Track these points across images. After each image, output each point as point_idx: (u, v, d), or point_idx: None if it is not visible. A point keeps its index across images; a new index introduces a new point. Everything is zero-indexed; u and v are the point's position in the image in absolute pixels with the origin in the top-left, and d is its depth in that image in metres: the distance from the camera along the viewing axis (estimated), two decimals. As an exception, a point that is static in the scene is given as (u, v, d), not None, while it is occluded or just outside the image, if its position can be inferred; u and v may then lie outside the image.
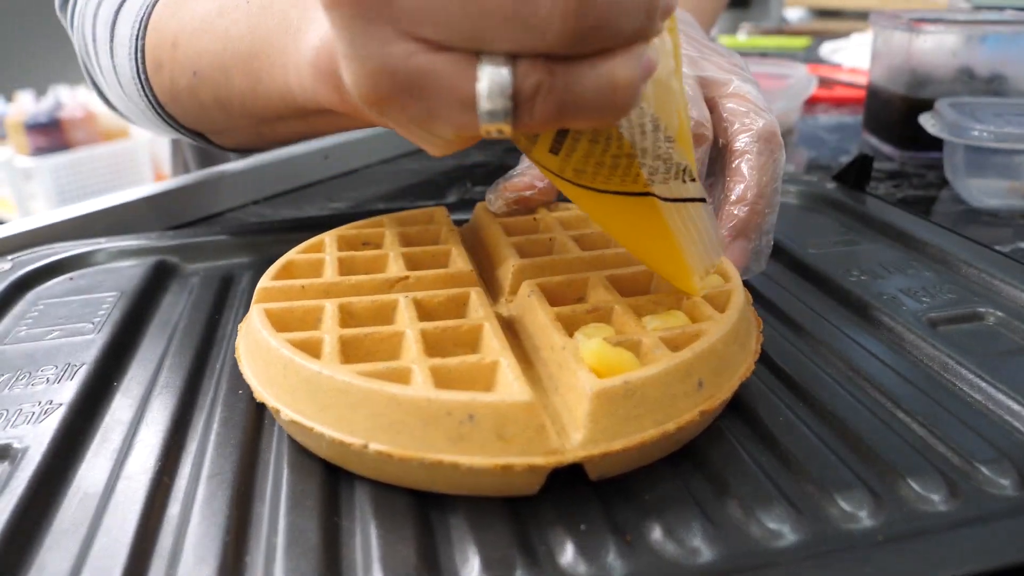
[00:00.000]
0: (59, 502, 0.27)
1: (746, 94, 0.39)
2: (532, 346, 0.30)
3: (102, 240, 0.47)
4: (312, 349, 0.28)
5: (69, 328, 0.38)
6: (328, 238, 0.38)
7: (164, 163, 1.86)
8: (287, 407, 0.26)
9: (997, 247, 0.44)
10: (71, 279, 0.44)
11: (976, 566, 0.23)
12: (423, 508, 0.26)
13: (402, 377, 0.26)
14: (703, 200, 0.28)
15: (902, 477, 0.27)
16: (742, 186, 0.36)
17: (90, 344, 0.36)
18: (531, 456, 0.24)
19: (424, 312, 0.31)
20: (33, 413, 0.31)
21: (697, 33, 0.46)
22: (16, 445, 0.29)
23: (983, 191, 0.55)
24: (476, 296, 0.32)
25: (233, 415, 0.31)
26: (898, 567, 0.23)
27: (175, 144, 0.85)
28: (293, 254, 0.36)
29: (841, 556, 0.23)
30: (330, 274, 0.34)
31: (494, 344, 0.28)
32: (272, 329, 0.28)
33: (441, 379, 0.26)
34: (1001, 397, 0.31)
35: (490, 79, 0.21)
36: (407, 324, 0.29)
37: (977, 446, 0.28)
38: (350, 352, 0.28)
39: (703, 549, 0.24)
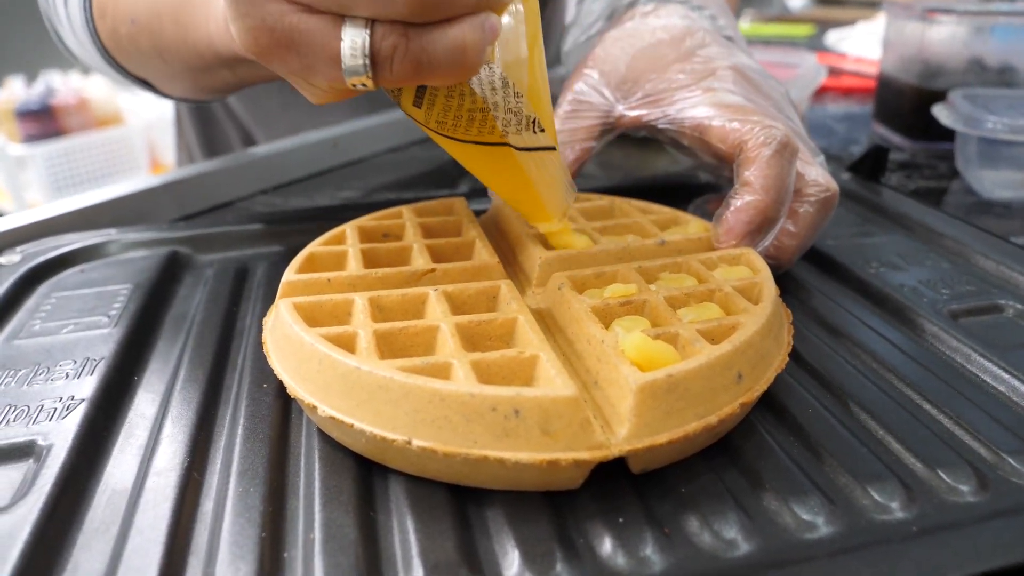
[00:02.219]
0: (88, 500, 0.26)
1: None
2: (565, 339, 0.30)
3: (112, 231, 0.46)
4: (346, 344, 0.27)
5: (85, 322, 0.37)
6: (349, 230, 0.37)
7: (161, 150, 1.84)
8: (323, 403, 0.26)
9: (1012, 239, 0.44)
10: (82, 271, 0.43)
11: (1014, 558, 0.23)
12: (460, 502, 0.26)
13: (442, 372, 0.25)
14: (553, 148, 0.32)
15: (932, 468, 0.27)
16: (750, 195, 0.35)
17: (107, 338, 0.35)
18: (576, 451, 0.24)
19: (455, 305, 0.31)
20: (55, 409, 0.30)
21: (727, 20, 0.45)
22: (41, 442, 0.28)
23: (995, 183, 0.55)
24: (507, 289, 0.31)
25: (260, 409, 0.31)
26: (937, 559, 0.23)
27: (179, 131, 0.84)
28: (315, 246, 0.35)
29: (878, 549, 0.23)
30: (354, 267, 0.33)
31: (531, 338, 0.27)
32: (304, 324, 0.28)
33: (481, 374, 0.25)
34: (1027, 389, 0.31)
35: (351, 39, 0.25)
36: (440, 318, 0.29)
37: (1003, 437, 0.28)
38: (385, 347, 0.27)
39: (740, 541, 0.24)
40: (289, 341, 0.28)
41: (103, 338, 0.35)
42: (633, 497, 0.26)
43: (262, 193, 0.59)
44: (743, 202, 0.35)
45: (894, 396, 0.31)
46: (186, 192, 0.54)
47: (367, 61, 0.25)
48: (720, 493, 0.26)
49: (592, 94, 0.42)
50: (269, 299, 0.40)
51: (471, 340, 0.28)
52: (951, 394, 0.31)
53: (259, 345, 0.35)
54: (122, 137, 1.75)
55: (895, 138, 0.71)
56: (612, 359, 0.26)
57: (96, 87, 1.79)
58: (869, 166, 0.53)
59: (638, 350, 0.26)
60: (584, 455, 0.24)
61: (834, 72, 0.95)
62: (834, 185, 0.38)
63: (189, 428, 0.30)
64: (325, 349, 0.26)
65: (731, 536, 0.24)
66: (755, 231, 0.35)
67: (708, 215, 0.43)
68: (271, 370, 0.32)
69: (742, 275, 0.33)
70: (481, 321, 0.29)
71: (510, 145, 0.30)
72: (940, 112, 0.58)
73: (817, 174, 0.38)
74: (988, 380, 0.32)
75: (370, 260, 0.35)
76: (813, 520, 0.25)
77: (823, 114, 0.83)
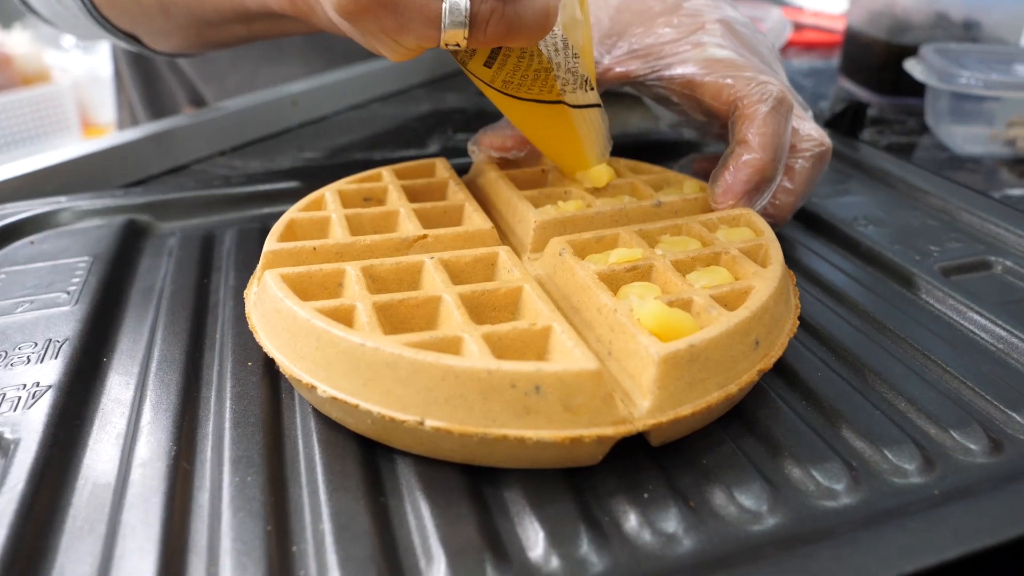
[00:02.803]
0: (67, 497, 0.24)
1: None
2: (571, 307, 0.28)
3: (62, 199, 0.42)
4: (344, 318, 0.25)
5: (42, 299, 0.34)
6: (328, 194, 0.35)
7: (93, 109, 1.73)
8: (324, 383, 0.24)
9: (990, 194, 0.44)
10: (32, 243, 0.40)
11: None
12: (474, 483, 0.24)
13: (452, 347, 0.24)
14: (599, 106, 0.34)
15: (944, 429, 0.27)
16: (747, 153, 0.34)
17: (69, 316, 0.33)
18: (600, 427, 0.23)
19: (452, 274, 0.29)
20: (19, 398, 0.28)
21: None
22: (8, 435, 0.26)
23: (966, 138, 0.56)
24: (506, 255, 0.30)
25: (247, 389, 0.29)
26: (972, 525, 0.22)
27: (119, 89, 0.78)
28: (294, 213, 0.33)
29: (907, 516, 0.23)
30: (340, 234, 0.31)
31: (540, 308, 0.26)
32: (296, 298, 0.26)
33: (493, 348, 0.24)
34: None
35: (452, 2, 0.26)
36: (442, 288, 0.27)
37: (1008, 394, 0.29)
38: (384, 320, 0.26)
39: (765, 513, 0.23)
40: (281, 316, 0.26)
41: (64, 317, 0.33)
42: (655, 470, 0.25)
43: (220, 155, 0.55)
44: (741, 161, 0.34)
45: (899, 356, 0.31)
46: (138, 155, 0.51)
47: (466, 23, 0.27)
48: (741, 463, 0.25)
49: None
50: (242, 269, 0.37)
51: (474, 311, 0.27)
52: (953, 353, 0.31)
53: (237, 319, 0.33)
54: (50, 96, 1.64)
55: (862, 93, 0.71)
56: (628, 329, 0.25)
57: (19, 43, 1.66)
58: (848, 122, 0.52)
59: (656, 319, 0.24)
60: (608, 431, 0.23)
61: (796, 27, 0.95)
62: (827, 139, 0.38)
63: (171, 413, 0.28)
64: (324, 325, 0.24)
65: (758, 508, 0.23)
66: (753, 190, 0.34)
67: (695, 175, 0.42)
68: (255, 346, 0.30)
69: (745, 237, 0.32)
70: (485, 291, 0.27)
71: (565, 103, 0.32)
72: (913, 67, 0.58)
73: (811, 128, 0.37)
74: (987, 338, 0.32)
75: (355, 227, 0.33)
76: (835, 487, 0.24)
77: (789, 69, 0.82)
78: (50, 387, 0.28)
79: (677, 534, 0.22)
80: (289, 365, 0.25)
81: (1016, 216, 0.40)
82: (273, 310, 0.27)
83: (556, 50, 0.31)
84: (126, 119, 0.79)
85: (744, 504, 0.24)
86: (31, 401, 0.27)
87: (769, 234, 0.31)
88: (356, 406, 0.23)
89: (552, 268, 0.30)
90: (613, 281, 0.28)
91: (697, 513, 0.23)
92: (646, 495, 0.24)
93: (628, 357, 0.25)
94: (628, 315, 0.25)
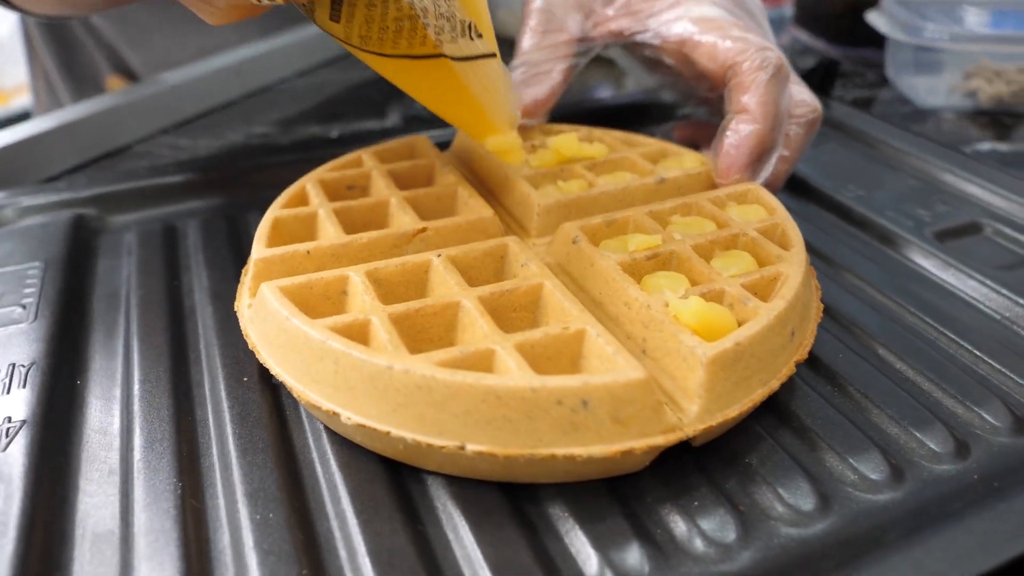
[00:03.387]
0: (66, 551, 0.22)
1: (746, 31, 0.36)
2: (591, 301, 0.27)
3: (-5, 194, 0.38)
4: (359, 335, 0.23)
5: (-7, 315, 0.31)
6: (309, 186, 0.32)
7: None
8: (347, 409, 0.22)
9: (962, 148, 0.44)
10: (-34, 247, 0.35)
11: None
12: (515, 501, 0.23)
13: (486, 362, 0.22)
14: (494, 55, 0.29)
15: (970, 408, 0.27)
16: (749, 123, 0.33)
17: (30, 335, 0.29)
18: (650, 436, 0.22)
19: (461, 270, 0.27)
20: (-10, 436, 0.25)
21: None
22: (-15, 483, 0.23)
23: (929, 90, 0.56)
24: (516, 247, 0.28)
25: (248, 410, 0.26)
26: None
27: (31, 56, 0.71)
28: (277, 211, 0.30)
29: (960, 506, 0.23)
30: (332, 233, 0.29)
31: (566, 307, 0.24)
32: (304, 315, 0.24)
33: (526, 357, 0.22)
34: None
35: None
36: (457, 292, 0.25)
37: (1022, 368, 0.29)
38: (401, 332, 0.24)
39: (815, 513, 0.23)
40: (289, 337, 0.24)
41: (24, 335, 0.29)
42: (698, 473, 0.24)
43: (163, 133, 0.51)
44: (744, 133, 0.33)
45: (911, 330, 0.31)
46: (71, 139, 0.46)
47: None
48: (783, 459, 0.25)
49: (560, 5, 0.38)
50: (215, 267, 0.34)
51: (495, 314, 0.25)
52: (965, 325, 0.31)
53: (221, 326, 0.30)
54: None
55: (818, 44, 0.70)
56: (667, 327, 0.23)
57: None
58: (819, 79, 0.52)
59: (697, 316, 0.23)
60: (658, 440, 0.22)
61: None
62: (819, 105, 0.37)
63: (167, 442, 0.25)
64: (342, 346, 0.22)
65: (806, 507, 0.23)
66: (756, 161, 0.33)
67: (680, 143, 0.41)
68: (247, 358, 0.28)
69: (759, 215, 0.31)
70: (504, 291, 0.25)
71: (445, 56, 0.27)
72: (877, 19, 0.57)
73: (803, 93, 0.36)
74: (993, 307, 0.32)
75: (346, 222, 0.30)
76: (877, 478, 0.24)
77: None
78: (24, 422, 0.25)
79: (732, 543, 0.22)
80: (305, 391, 0.23)
81: (1001, 176, 0.41)
82: (278, 329, 0.24)
83: None
84: (42, 90, 0.72)
85: (792, 504, 0.23)
86: (5, 441, 0.24)
87: (782, 212, 0.31)
88: (387, 433, 0.22)
89: (565, 257, 0.29)
90: (635, 271, 0.27)
91: (747, 517, 0.23)
92: (695, 503, 0.23)
93: (667, 356, 0.23)
94: (664, 311, 0.24)
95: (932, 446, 0.25)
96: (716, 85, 0.36)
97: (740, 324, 0.24)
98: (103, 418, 0.26)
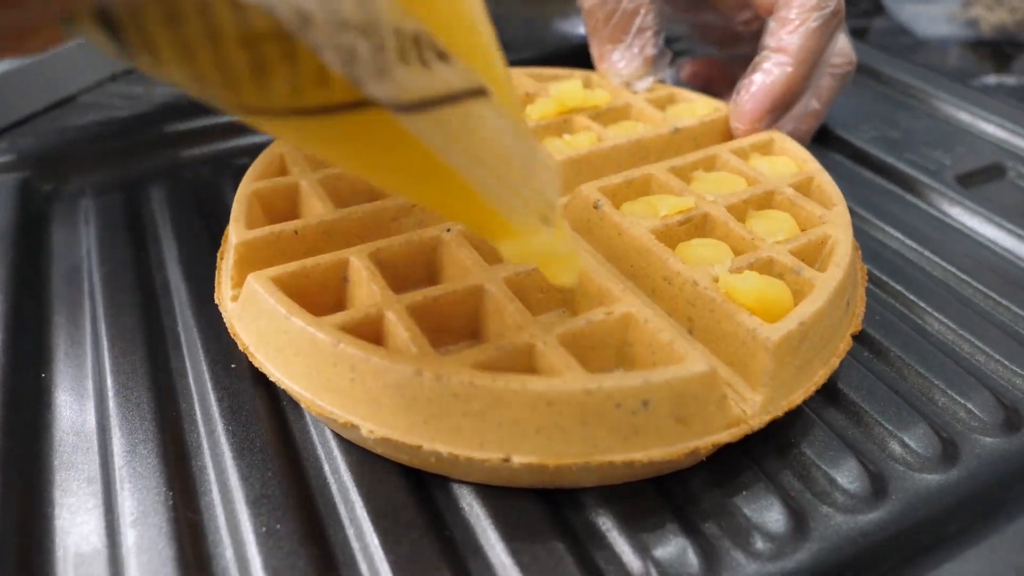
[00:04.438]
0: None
1: None
2: (620, 276, 0.24)
3: (-75, 156, 0.34)
4: (372, 333, 0.20)
5: (-64, 300, 0.27)
6: (286, 153, 0.28)
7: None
8: (368, 421, 0.19)
9: (970, 83, 0.42)
10: (-102, 218, 0.31)
11: None
12: (553, 507, 0.21)
13: (524, 359, 0.19)
14: (480, 92, 0.15)
15: (1016, 372, 0.25)
16: (785, 66, 0.30)
17: (-19, 321, 0.26)
18: (715, 434, 0.19)
19: (474, 245, 0.24)
20: (-55, 446, 0.22)
21: None
22: (-56, 504, 0.20)
23: (931, 19, 0.53)
24: (532, 214, 0.25)
25: (239, 403, 0.24)
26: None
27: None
28: (254, 183, 0.26)
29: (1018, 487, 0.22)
30: (320, 207, 0.25)
31: (605, 285, 0.22)
32: (306, 313, 0.20)
33: (570, 350, 0.20)
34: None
35: None
36: (476, 274, 0.22)
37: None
38: (420, 325, 0.21)
39: (871, 498, 0.21)
40: (289, 338, 0.21)
41: (-26, 324, 0.26)
42: (747, 463, 0.22)
43: (111, 80, 0.46)
44: (775, 76, 0.30)
45: (945, 286, 0.29)
46: (6, 89, 0.41)
47: None
48: (831, 440, 0.23)
49: None
50: (186, 236, 0.31)
51: (521, 298, 0.22)
52: (998, 280, 0.29)
53: (199, 307, 0.27)
54: None
55: (810, -29, 0.67)
56: (721, 306, 0.21)
57: None
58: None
59: (754, 294, 0.21)
60: (723, 437, 0.20)
61: None
62: (855, 56, 0.34)
63: (151, 444, 0.22)
64: (358, 351, 0.19)
65: (861, 491, 0.21)
66: (780, 107, 0.31)
67: (687, 81, 0.38)
68: (233, 341, 0.25)
69: (789, 168, 0.28)
70: (531, 270, 0.22)
71: (377, 102, 0.13)
72: (879, -56, 0.54)
73: (842, 41, 0.33)
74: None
75: (333, 193, 0.26)
76: (929, 455, 0.22)
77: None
78: (-17, 428, 0.22)
79: (788, 538, 0.20)
80: (314, 399, 0.20)
81: (1021, 115, 0.39)
82: (275, 330, 0.21)
83: None
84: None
85: (846, 488, 0.21)
86: (-37, 452, 0.21)
87: (814, 163, 0.28)
88: (419, 447, 0.19)
89: (585, 223, 0.26)
90: (669, 238, 0.24)
91: (800, 504, 0.21)
92: (744, 492, 0.21)
93: (720, 340, 0.21)
94: (714, 288, 0.21)
95: (981, 415, 0.24)
96: (762, 12, 0.32)
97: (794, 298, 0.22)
98: (74, 416, 0.23)
